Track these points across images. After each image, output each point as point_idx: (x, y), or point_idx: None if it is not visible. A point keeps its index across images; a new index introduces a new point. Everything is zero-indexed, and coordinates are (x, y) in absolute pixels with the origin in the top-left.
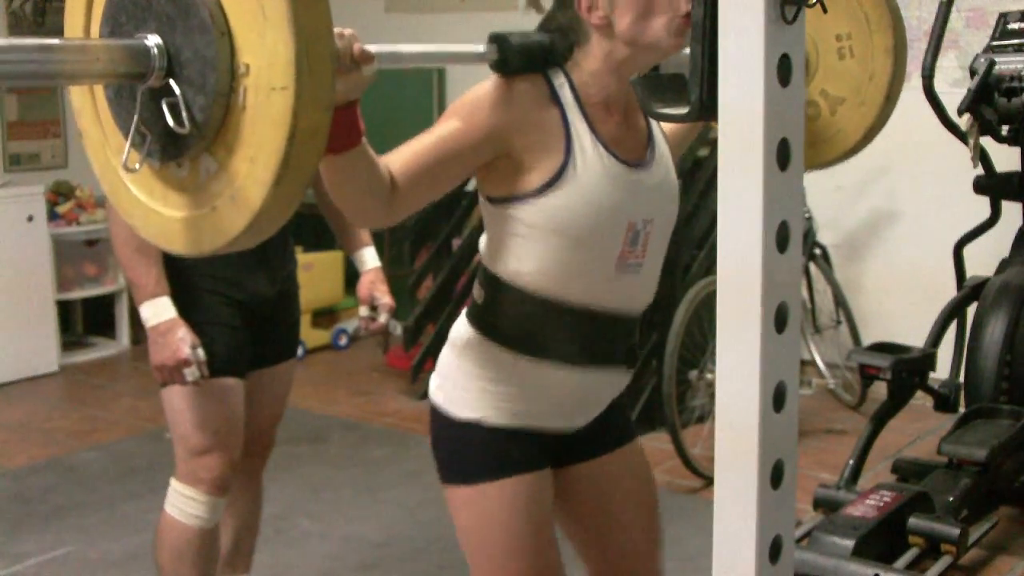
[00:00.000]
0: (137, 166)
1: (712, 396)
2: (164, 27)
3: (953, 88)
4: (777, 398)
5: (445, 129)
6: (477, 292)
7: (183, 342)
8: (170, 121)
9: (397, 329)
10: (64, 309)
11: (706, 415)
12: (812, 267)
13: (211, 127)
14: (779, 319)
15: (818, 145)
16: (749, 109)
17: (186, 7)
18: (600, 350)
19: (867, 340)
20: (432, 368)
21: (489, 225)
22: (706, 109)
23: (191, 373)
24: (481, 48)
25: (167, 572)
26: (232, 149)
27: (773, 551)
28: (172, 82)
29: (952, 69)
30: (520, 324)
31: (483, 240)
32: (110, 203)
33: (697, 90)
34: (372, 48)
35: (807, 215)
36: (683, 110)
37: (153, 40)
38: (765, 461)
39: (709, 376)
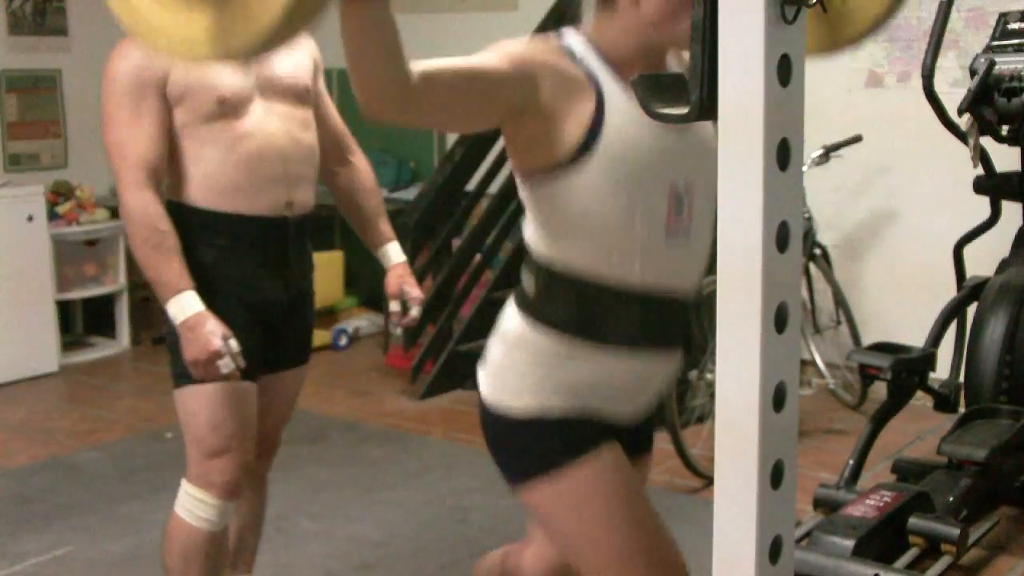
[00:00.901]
0: None
1: (712, 396)
2: None
3: (953, 88)
4: (777, 398)
5: (474, 56)
6: (527, 282)
7: (213, 335)
8: None
9: (397, 329)
10: (64, 309)
11: (706, 415)
12: (812, 267)
13: None
14: (779, 319)
15: (825, 25)
16: (749, 109)
17: None
18: (656, 332)
19: (867, 340)
20: (432, 368)
21: (533, 210)
22: (706, 109)
23: (226, 364)
24: None
25: (174, 574)
26: None
27: (773, 551)
28: None
29: (952, 69)
30: (576, 310)
31: (528, 229)
32: (123, 204)
33: (697, 90)
34: None
35: (807, 215)
36: (683, 110)
37: None
38: (765, 461)
39: (709, 376)
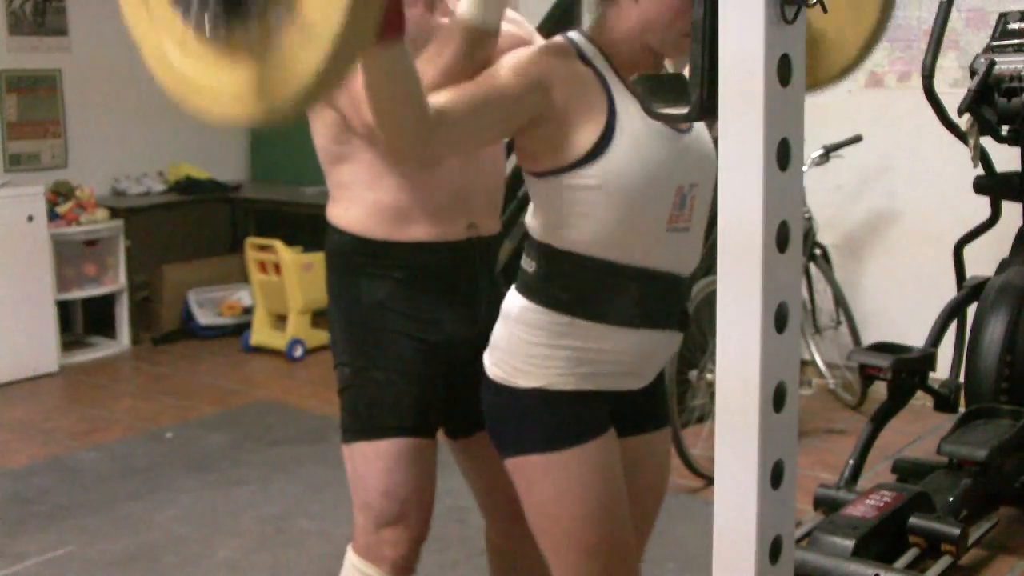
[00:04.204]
0: (207, 30)
1: (712, 396)
2: None
3: (953, 88)
4: (777, 398)
5: (488, 76)
6: (527, 264)
7: None
8: None
9: None
10: (64, 309)
11: (706, 415)
12: (812, 267)
13: None
14: (779, 319)
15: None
16: (749, 109)
17: None
18: (654, 311)
19: (867, 340)
20: None
21: (538, 200)
22: (706, 109)
23: None
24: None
25: None
26: None
27: (773, 551)
28: None
29: (952, 69)
30: (576, 288)
31: (531, 214)
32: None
33: (697, 90)
34: None
35: (807, 215)
36: (683, 110)
37: None
38: (765, 461)
39: (709, 376)
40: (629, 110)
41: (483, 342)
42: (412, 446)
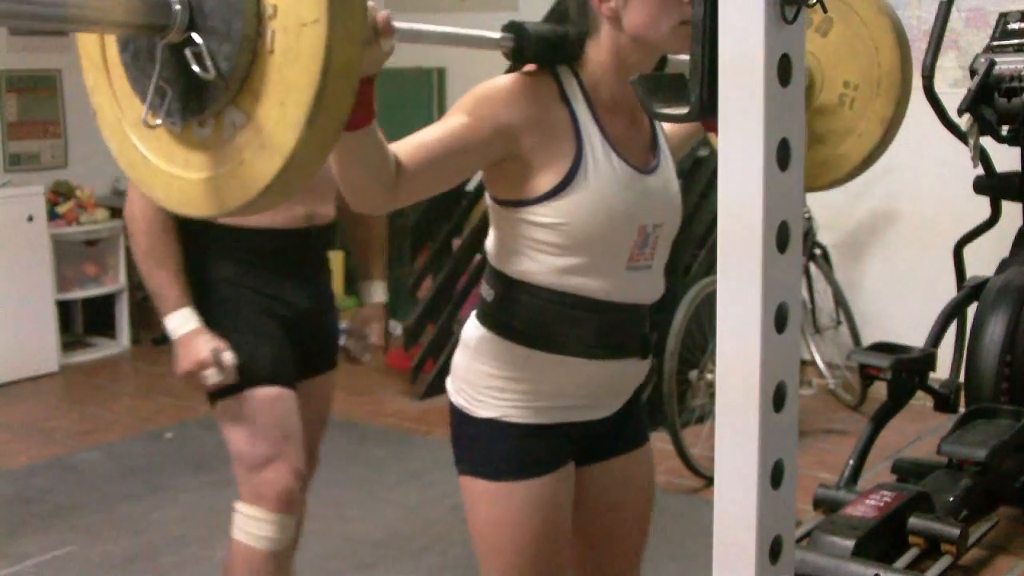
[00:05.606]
0: (158, 121)
1: (712, 396)
2: None
3: (953, 88)
4: (777, 398)
5: (453, 121)
6: (486, 291)
7: (203, 345)
8: (195, 67)
9: (397, 329)
10: (64, 309)
11: (706, 415)
12: (812, 267)
13: (237, 76)
14: (779, 319)
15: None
16: (749, 109)
17: None
18: (613, 341)
19: (867, 340)
20: (432, 368)
21: (497, 226)
22: (706, 109)
23: (212, 375)
24: (498, 35)
25: None
26: (260, 96)
27: (773, 551)
28: (194, 35)
29: (952, 69)
30: (532, 319)
31: (490, 240)
32: (128, 215)
33: (697, 90)
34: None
35: (807, 215)
36: (683, 110)
37: None
38: (765, 461)
39: (709, 376)
40: (596, 154)
41: (323, 314)
42: (274, 394)
